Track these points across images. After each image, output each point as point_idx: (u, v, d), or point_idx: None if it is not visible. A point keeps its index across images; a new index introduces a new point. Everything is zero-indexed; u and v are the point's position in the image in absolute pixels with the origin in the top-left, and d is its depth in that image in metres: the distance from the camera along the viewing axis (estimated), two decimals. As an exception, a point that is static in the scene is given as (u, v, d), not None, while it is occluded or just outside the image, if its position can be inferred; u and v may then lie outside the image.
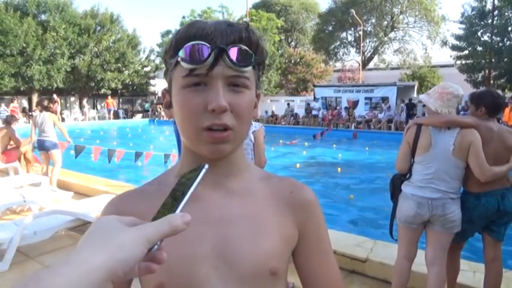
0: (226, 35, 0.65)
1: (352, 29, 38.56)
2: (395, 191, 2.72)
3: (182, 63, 0.66)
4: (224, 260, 0.68)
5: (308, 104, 22.26)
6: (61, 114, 21.89)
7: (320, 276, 0.78)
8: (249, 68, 0.67)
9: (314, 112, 21.07)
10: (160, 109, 26.22)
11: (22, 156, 7.29)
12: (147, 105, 28.80)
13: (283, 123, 21.15)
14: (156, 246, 0.47)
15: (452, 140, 2.46)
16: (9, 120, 7.08)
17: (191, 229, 0.66)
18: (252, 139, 3.01)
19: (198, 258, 0.68)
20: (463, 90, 2.62)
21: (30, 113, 22.22)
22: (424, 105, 2.76)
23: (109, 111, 25.42)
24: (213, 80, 0.65)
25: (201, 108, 0.65)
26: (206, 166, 0.54)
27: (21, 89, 22.71)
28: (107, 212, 0.76)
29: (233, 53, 0.64)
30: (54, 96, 21.14)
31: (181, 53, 0.65)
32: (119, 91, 27.91)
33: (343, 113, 20.01)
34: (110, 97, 25.36)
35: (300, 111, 22.02)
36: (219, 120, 0.65)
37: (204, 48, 0.64)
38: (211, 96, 0.64)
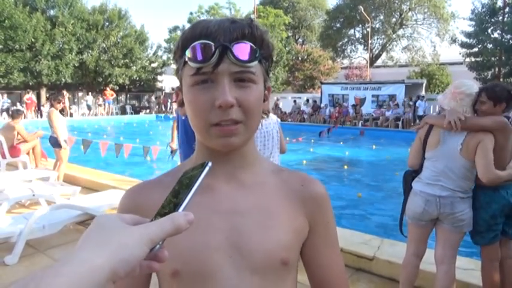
0: (229, 32, 0.67)
1: (360, 26, 38.28)
2: (406, 187, 2.72)
3: (189, 63, 0.68)
4: (237, 249, 0.70)
5: (315, 101, 22.20)
6: (69, 109, 22.07)
7: (326, 269, 0.81)
8: (255, 63, 0.69)
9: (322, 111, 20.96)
10: (165, 106, 26.29)
11: (31, 151, 7.36)
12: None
13: (289, 120, 21.11)
14: (158, 246, 0.46)
15: (461, 140, 2.44)
16: (15, 115, 7.13)
17: (205, 219, 0.71)
18: (278, 130, 3.21)
19: (212, 247, 0.70)
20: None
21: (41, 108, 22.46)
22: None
23: (105, 104, 24.91)
24: (219, 77, 0.67)
25: (209, 105, 0.67)
26: (210, 164, 0.54)
27: (30, 83, 22.89)
28: (124, 202, 0.77)
29: (237, 49, 0.66)
30: (64, 92, 21.29)
31: (187, 53, 0.68)
32: (126, 87, 28.02)
33: (351, 111, 19.92)
34: (108, 88, 25.07)
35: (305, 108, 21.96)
36: (226, 116, 0.67)
37: (208, 47, 0.66)
38: (218, 93, 0.66)
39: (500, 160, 2.42)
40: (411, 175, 2.69)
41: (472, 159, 2.40)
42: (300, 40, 41.39)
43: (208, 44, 0.66)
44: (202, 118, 0.69)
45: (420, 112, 17.03)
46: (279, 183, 0.79)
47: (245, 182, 0.76)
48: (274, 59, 0.81)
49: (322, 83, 24.03)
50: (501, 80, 22.37)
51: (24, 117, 16.72)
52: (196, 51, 0.66)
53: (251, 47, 0.68)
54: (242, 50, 0.67)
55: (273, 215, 0.74)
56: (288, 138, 12.61)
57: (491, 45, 23.54)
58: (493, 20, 23.69)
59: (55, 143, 6.28)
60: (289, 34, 35.83)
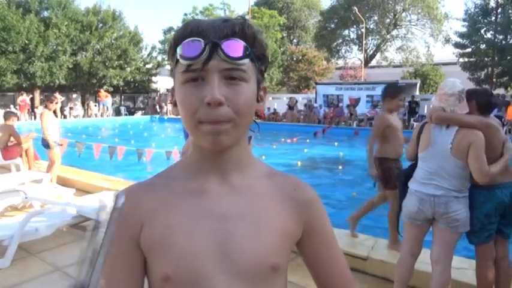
0: (219, 29, 0.67)
1: (355, 26, 38.42)
2: (400, 187, 2.75)
3: (180, 60, 0.68)
4: (227, 255, 0.70)
5: (309, 101, 22.26)
6: (62, 111, 21.92)
7: (329, 267, 0.82)
8: (246, 61, 0.69)
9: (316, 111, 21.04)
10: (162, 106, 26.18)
11: (24, 153, 7.30)
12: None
13: (284, 120, 21.14)
14: None
15: (451, 139, 2.45)
16: (7, 117, 7.06)
17: (196, 223, 0.72)
18: None
19: (202, 252, 0.70)
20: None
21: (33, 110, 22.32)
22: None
23: (101, 106, 24.62)
24: (208, 74, 0.67)
25: (198, 102, 0.67)
26: (99, 219, 0.54)
27: (24, 85, 22.71)
28: (117, 205, 0.74)
29: (227, 46, 0.66)
30: (56, 94, 21.14)
31: (178, 50, 0.68)
32: (121, 88, 27.90)
33: (345, 111, 19.99)
34: (102, 90, 24.88)
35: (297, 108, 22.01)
36: (215, 114, 0.67)
37: (197, 44, 0.66)
38: (207, 90, 0.66)
39: (493, 160, 2.44)
40: (404, 175, 2.72)
41: (465, 159, 2.42)
42: (295, 41, 41.44)
43: (198, 40, 0.66)
44: (192, 116, 0.68)
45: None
46: (271, 187, 0.78)
47: (237, 185, 0.76)
48: (269, 59, 0.81)
49: (316, 84, 24.08)
50: (494, 80, 22.54)
51: (18, 120, 16.58)
52: (187, 48, 0.67)
53: (242, 44, 0.68)
54: (232, 46, 0.67)
55: (265, 220, 0.74)
56: (282, 139, 12.64)
57: (484, 46, 23.72)
58: (486, 20, 23.88)
59: (47, 144, 6.25)
60: (284, 35, 35.86)
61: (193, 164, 0.77)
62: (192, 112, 0.68)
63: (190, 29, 0.68)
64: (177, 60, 0.70)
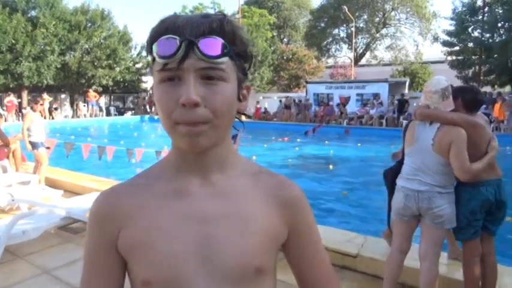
0: (196, 26, 0.64)
1: (344, 25, 38.60)
2: (388, 185, 2.77)
3: (156, 58, 0.66)
4: (209, 257, 0.68)
5: (300, 101, 22.32)
6: (50, 112, 21.66)
7: (314, 267, 0.80)
8: (225, 59, 0.66)
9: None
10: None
11: (11, 154, 7.19)
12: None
13: (275, 119, 21.16)
14: None
15: (432, 135, 2.48)
16: None
17: (177, 225, 0.69)
18: None
19: (183, 255, 0.68)
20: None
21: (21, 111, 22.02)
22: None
23: (89, 106, 24.31)
24: (185, 74, 0.64)
25: (174, 103, 0.65)
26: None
27: (11, 86, 22.40)
28: (96, 207, 0.74)
29: (203, 44, 0.63)
30: (43, 94, 20.87)
31: (154, 48, 0.65)
32: (110, 88, 27.65)
33: (336, 109, 20.08)
34: (91, 90, 24.65)
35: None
36: (191, 115, 0.64)
37: (173, 42, 0.63)
38: (183, 90, 0.64)
39: (477, 158, 2.47)
40: (390, 172, 2.74)
41: (446, 156, 2.44)
42: (285, 40, 41.51)
43: (173, 38, 0.63)
44: (168, 116, 0.66)
45: None
46: (256, 186, 0.76)
47: (220, 186, 0.73)
48: (259, 58, 0.79)
49: (307, 82, 24.16)
50: (481, 78, 22.83)
51: (5, 121, 16.35)
52: (162, 46, 0.64)
53: (219, 42, 0.65)
54: (209, 45, 0.64)
55: (249, 221, 0.71)
56: (273, 138, 12.66)
57: (471, 44, 24.01)
58: (473, 19, 24.16)
59: (34, 146, 6.19)
60: (274, 34, 35.89)
61: (173, 165, 0.74)
62: (168, 113, 0.65)
63: (166, 26, 0.65)
64: (154, 58, 0.67)
